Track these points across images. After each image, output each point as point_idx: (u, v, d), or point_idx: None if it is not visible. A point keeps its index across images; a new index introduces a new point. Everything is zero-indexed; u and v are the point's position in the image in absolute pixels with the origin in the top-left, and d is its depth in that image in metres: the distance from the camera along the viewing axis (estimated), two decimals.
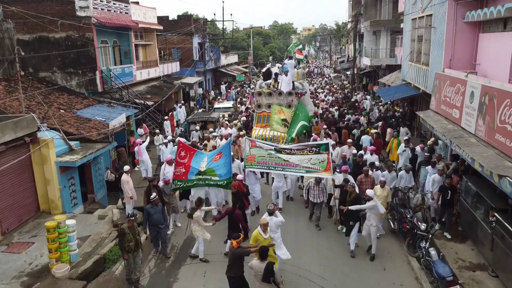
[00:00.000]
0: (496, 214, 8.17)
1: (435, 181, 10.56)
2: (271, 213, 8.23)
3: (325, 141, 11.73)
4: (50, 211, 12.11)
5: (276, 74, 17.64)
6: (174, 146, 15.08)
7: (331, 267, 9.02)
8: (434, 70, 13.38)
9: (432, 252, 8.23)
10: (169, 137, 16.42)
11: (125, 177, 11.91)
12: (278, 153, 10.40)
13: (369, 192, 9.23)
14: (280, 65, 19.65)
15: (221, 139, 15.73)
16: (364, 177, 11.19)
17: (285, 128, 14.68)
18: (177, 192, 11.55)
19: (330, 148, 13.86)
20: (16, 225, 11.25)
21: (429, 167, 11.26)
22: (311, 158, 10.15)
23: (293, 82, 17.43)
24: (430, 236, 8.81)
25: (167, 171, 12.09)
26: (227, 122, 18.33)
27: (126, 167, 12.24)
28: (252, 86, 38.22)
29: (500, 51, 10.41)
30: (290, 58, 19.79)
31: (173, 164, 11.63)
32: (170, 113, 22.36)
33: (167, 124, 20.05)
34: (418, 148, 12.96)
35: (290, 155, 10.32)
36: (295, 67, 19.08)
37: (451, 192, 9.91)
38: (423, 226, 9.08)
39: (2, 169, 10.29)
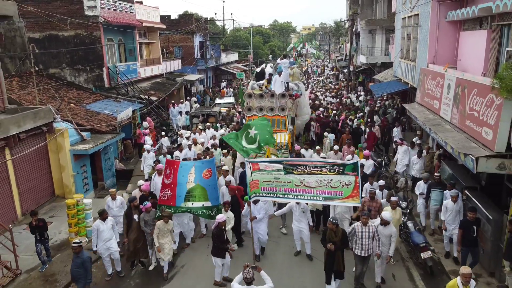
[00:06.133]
0: (466, 192, 9.21)
1: (448, 208, 8.97)
2: (249, 282, 6.02)
3: (353, 160, 8.64)
4: (64, 196, 13.13)
5: (270, 75, 16.60)
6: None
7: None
8: (420, 66, 14.38)
9: (409, 224, 9.30)
10: (147, 146, 14.80)
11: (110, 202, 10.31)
12: (288, 173, 8.00)
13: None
14: (273, 65, 18.11)
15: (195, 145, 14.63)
16: (369, 201, 8.99)
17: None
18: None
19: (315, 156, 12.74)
20: (35, 207, 12.24)
21: (447, 192, 9.57)
22: (331, 180, 7.73)
23: (287, 83, 16.35)
24: (408, 211, 9.87)
25: (156, 182, 11.05)
26: (200, 127, 16.97)
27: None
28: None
29: (476, 47, 11.42)
30: (285, 56, 19.05)
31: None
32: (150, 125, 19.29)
33: (147, 140, 16.71)
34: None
35: (304, 175, 7.90)
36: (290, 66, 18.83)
37: (477, 228, 8.16)
38: (403, 204, 10.12)
39: (22, 155, 11.34)
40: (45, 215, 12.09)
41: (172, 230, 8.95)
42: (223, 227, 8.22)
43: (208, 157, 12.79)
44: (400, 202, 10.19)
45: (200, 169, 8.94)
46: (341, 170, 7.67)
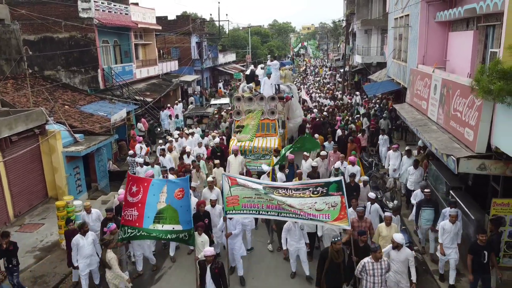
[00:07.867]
0: (451, 191, 9.31)
1: (446, 230, 8.08)
2: None
3: (336, 178, 8.10)
4: (57, 197, 13.20)
5: (257, 76, 16.36)
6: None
7: None
8: (410, 66, 14.47)
9: None
10: (140, 160, 13.33)
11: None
12: (268, 193, 7.48)
13: None
14: (263, 66, 17.75)
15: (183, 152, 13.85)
16: (358, 220, 8.27)
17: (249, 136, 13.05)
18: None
19: (303, 162, 12.09)
20: (27, 209, 12.41)
21: (446, 210, 8.69)
22: (315, 202, 7.25)
23: (278, 85, 16.01)
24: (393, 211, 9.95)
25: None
26: (186, 132, 16.61)
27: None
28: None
29: (463, 48, 11.50)
30: (274, 58, 18.95)
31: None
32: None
33: (137, 148, 15.54)
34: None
35: (286, 197, 7.39)
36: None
37: (488, 252, 7.26)
38: (390, 205, 10.23)
39: (15, 157, 11.46)
40: (37, 217, 12.26)
41: (122, 258, 8.21)
42: (210, 265, 7.05)
43: (195, 169, 12.05)
44: (387, 202, 10.31)
45: (173, 188, 7.85)
46: (324, 191, 7.23)
